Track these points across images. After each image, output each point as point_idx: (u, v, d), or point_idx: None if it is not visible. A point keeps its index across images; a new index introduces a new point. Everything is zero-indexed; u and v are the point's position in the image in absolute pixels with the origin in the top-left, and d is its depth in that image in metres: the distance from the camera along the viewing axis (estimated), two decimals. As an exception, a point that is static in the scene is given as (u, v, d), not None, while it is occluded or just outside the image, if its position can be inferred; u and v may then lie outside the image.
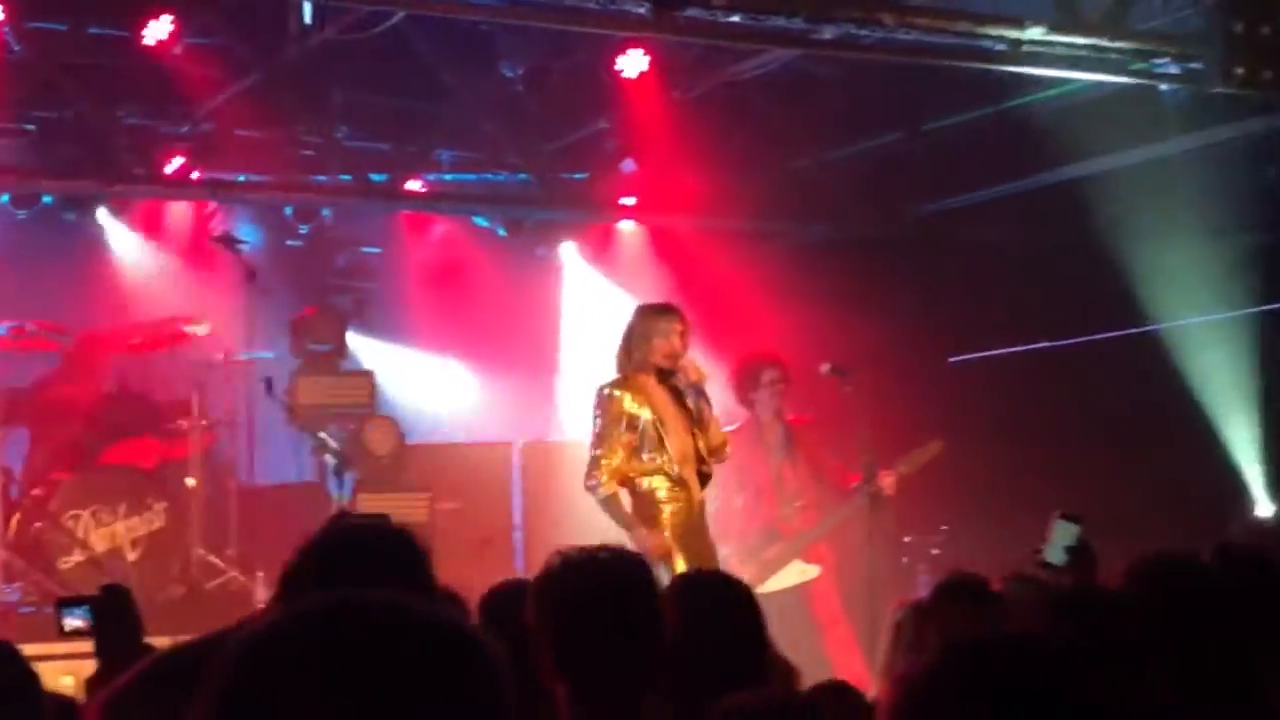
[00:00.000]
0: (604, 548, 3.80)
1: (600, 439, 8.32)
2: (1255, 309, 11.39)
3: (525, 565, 11.68)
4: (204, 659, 3.06)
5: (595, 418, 8.39)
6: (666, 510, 8.30)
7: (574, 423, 12.84)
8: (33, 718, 3.22)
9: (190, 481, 11.30)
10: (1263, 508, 11.39)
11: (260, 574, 10.88)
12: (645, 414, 8.30)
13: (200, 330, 11.65)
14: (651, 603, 3.73)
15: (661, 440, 8.30)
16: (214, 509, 11.43)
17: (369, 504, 11.42)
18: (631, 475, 8.31)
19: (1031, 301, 11.82)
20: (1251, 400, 11.36)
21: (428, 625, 1.65)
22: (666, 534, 8.24)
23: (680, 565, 8.10)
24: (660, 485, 8.32)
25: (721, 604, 4.21)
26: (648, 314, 8.56)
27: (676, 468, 8.31)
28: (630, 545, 7.93)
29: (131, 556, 10.80)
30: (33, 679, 3.36)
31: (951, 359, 13.12)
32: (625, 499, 8.33)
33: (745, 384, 10.00)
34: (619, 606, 3.64)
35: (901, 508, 10.76)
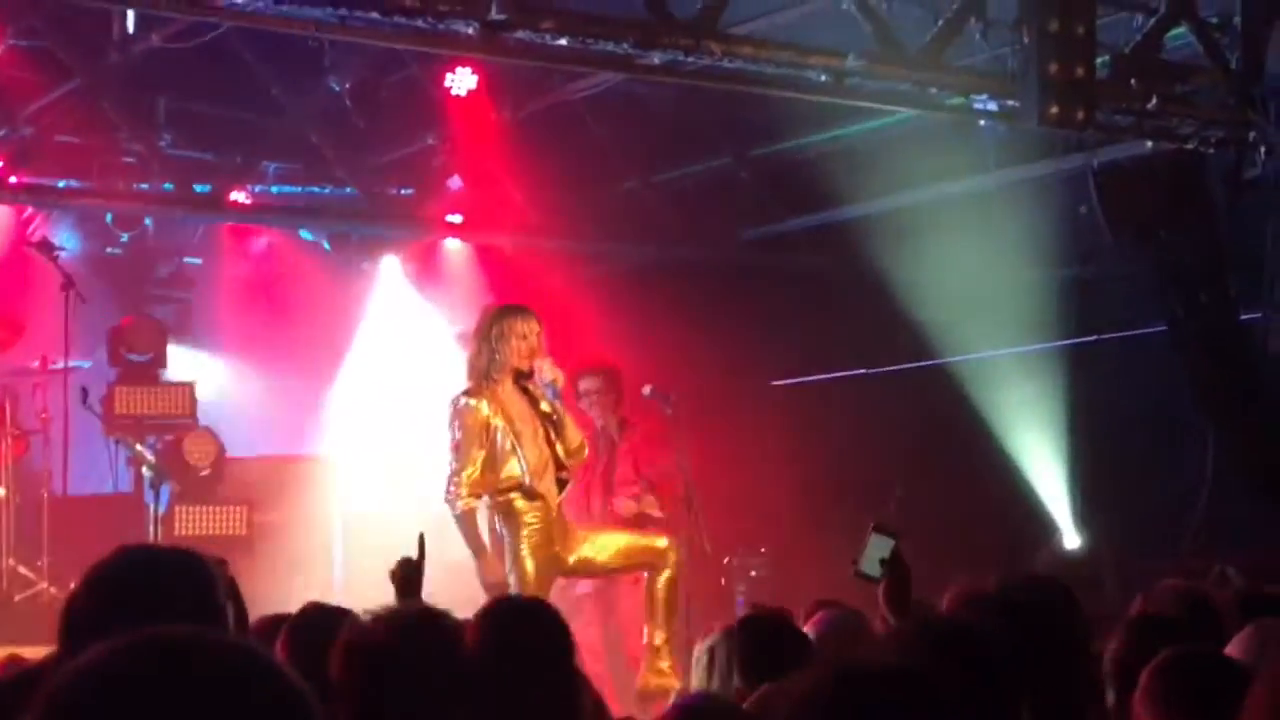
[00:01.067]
0: (408, 607, 3.82)
1: (458, 452, 8.25)
2: (1066, 342, 11.67)
3: (344, 577, 11.66)
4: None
5: (453, 430, 8.31)
6: (525, 521, 8.31)
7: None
8: None
9: (1, 491, 11.10)
10: (1069, 539, 11.66)
11: (73, 585, 10.69)
12: (499, 423, 8.28)
13: (14, 337, 11.44)
14: (456, 665, 3.75)
15: (515, 452, 8.30)
16: (26, 519, 11.24)
17: (186, 517, 11.31)
18: (487, 489, 8.30)
19: (853, 328, 12.01)
20: (1060, 432, 11.63)
21: (239, 663, 1.64)
22: (524, 549, 8.26)
23: (532, 576, 8.18)
24: (516, 498, 8.33)
25: (527, 631, 4.23)
26: (504, 314, 8.47)
27: (529, 479, 8.31)
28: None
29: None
30: None
31: (774, 382, 13.29)
32: (483, 512, 8.32)
33: (575, 393, 10.14)
34: (425, 671, 3.65)
35: (721, 529, 10.87)
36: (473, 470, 8.21)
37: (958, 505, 11.29)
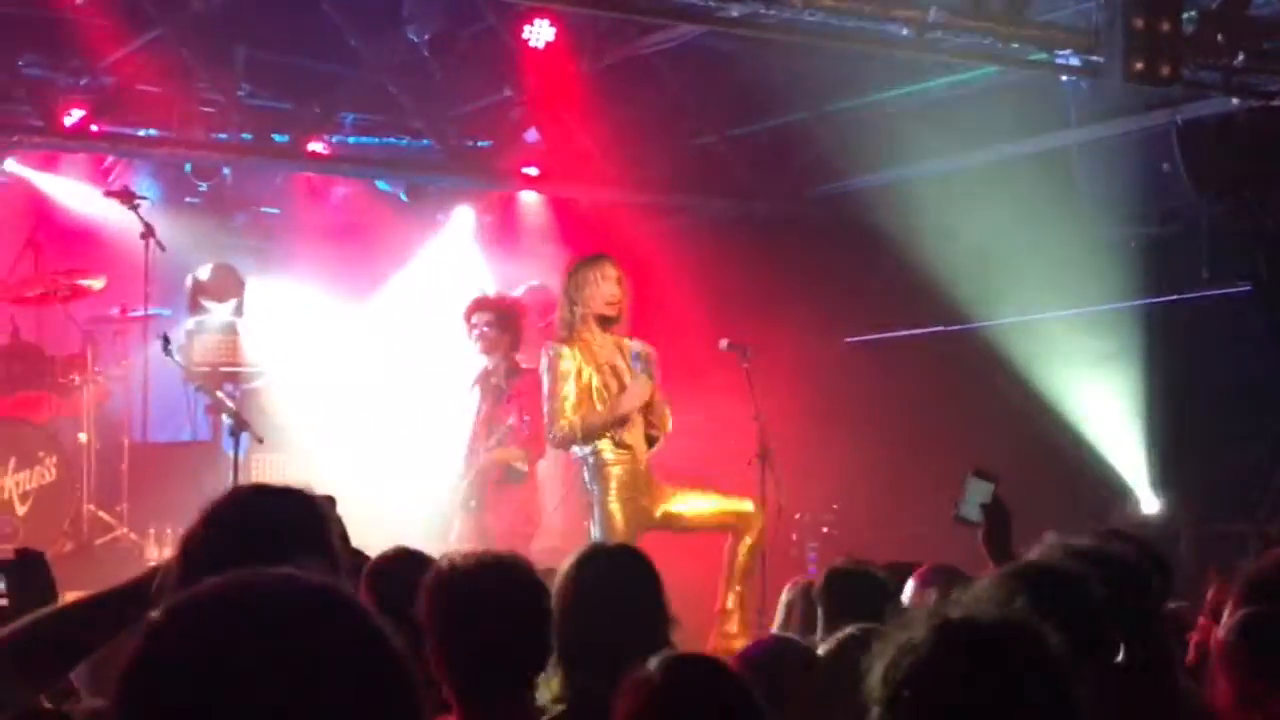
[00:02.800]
0: (489, 553, 3.86)
1: (550, 395, 8.39)
2: (1144, 301, 11.57)
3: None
4: (70, 629, 3.07)
5: (545, 378, 8.44)
6: (613, 472, 8.36)
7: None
8: None
9: (82, 437, 11.22)
10: (1145, 503, 11.56)
11: (151, 531, 10.83)
12: (589, 371, 8.36)
13: (96, 284, 11.54)
14: (539, 607, 3.79)
15: (604, 401, 8.37)
16: (106, 465, 11.36)
17: (264, 465, 11.39)
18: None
19: (928, 285, 11.94)
20: (1137, 393, 11.54)
21: (326, 609, 1.67)
22: (612, 499, 8.32)
23: (620, 525, 8.23)
24: (605, 447, 8.39)
25: (619, 577, 4.26)
26: (582, 266, 8.60)
27: (618, 431, 8.37)
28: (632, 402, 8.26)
29: (21, 510, 10.71)
30: None
31: (848, 339, 13.25)
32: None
33: (465, 327, 10.34)
34: (506, 615, 3.69)
35: (794, 485, 10.87)
36: (567, 406, 8.31)
37: (1031, 465, 11.22)
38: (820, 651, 4.40)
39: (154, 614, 1.67)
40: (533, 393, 9.89)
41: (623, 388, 8.43)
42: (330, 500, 3.20)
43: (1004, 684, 2.22)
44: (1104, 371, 11.59)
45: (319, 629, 1.64)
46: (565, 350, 8.40)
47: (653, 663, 3.31)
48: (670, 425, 8.70)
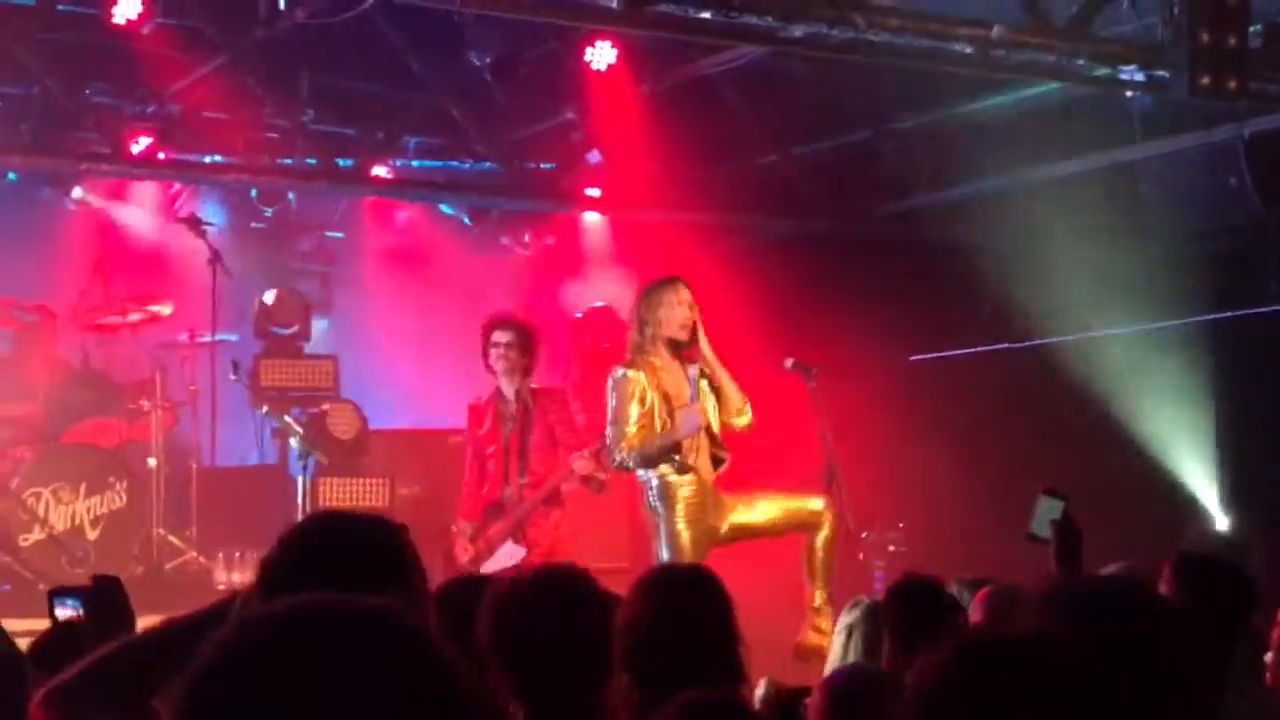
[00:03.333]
0: (550, 567, 3.84)
1: (614, 419, 8.40)
2: (1211, 317, 11.47)
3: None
4: (150, 655, 3.10)
5: (609, 400, 8.45)
6: (680, 495, 8.37)
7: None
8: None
9: (152, 461, 11.30)
10: (1218, 521, 11.46)
11: (220, 555, 10.91)
12: (654, 396, 8.37)
13: (164, 310, 11.65)
14: (602, 619, 3.76)
15: (668, 425, 8.37)
16: (175, 489, 11.45)
17: (330, 488, 11.44)
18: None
19: (994, 303, 11.89)
20: (1206, 410, 11.44)
21: (394, 639, 1.68)
22: (679, 523, 8.32)
23: (687, 547, 8.22)
24: (668, 470, 8.39)
25: (691, 598, 4.26)
26: (653, 289, 8.60)
27: (681, 454, 8.37)
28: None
29: (92, 535, 10.80)
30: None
31: (913, 357, 13.20)
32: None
33: (483, 347, 9.87)
34: (571, 628, 3.66)
35: (859, 504, 10.82)
36: (629, 429, 8.31)
37: (1100, 483, 11.13)
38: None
39: (222, 630, 1.70)
40: (561, 410, 9.83)
41: (710, 406, 8.48)
42: (403, 528, 3.21)
43: (1018, 709, 2.08)
44: (1173, 388, 11.50)
45: (376, 653, 1.64)
46: (631, 374, 8.41)
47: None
48: (748, 415, 8.68)
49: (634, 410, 8.34)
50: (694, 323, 8.48)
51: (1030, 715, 2.08)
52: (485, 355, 9.84)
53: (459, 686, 1.67)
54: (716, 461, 8.54)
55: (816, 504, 8.68)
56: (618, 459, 8.41)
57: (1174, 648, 2.91)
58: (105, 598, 4.41)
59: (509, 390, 9.79)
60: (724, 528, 8.48)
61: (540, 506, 9.65)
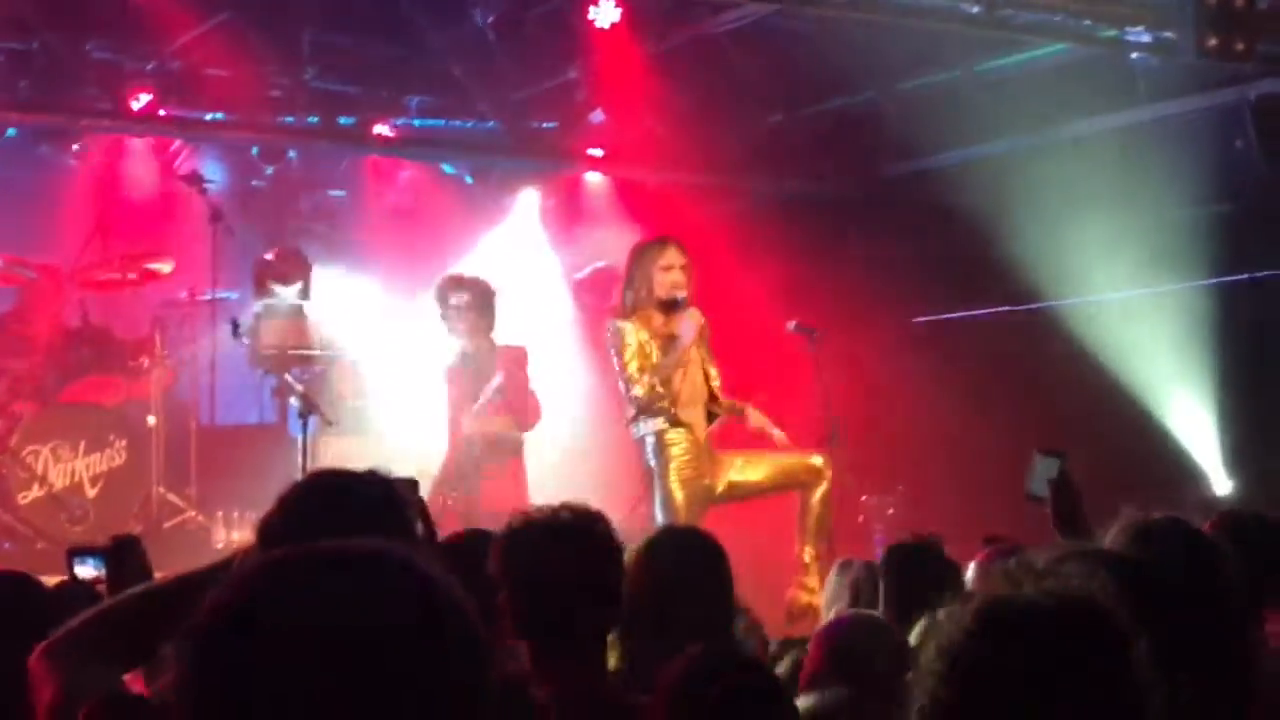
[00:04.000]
0: (565, 507, 3.81)
1: (621, 370, 8.45)
2: (1215, 280, 11.43)
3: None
4: (153, 609, 3.08)
5: (612, 356, 8.47)
6: (673, 453, 8.37)
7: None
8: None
9: (151, 420, 11.27)
10: (1219, 485, 11.44)
11: (220, 514, 10.89)
12: (651, 346, 8.37)
13: (164, 268, 11.61)
14: (612, 561, 3.75)
15: (666, 379, 8.38)
16: (174, 448, 11.41)
17: (331, 448, 11.41)
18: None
19: (996, 265, 11.85)
20: (1208, 374, 11.41)
21: (406, 577, 1.67)
22: (673, 480, 8.33)
23: (680, 504, 8.22)
24: (664, 426, 8.39)
25: (688, 561, 4.25)
26: (646, 249, 8.63)
27: (676, 409, 8.37)
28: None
29: (91, 493, 10.79)
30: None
31: (916, 319, 13.17)
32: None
33: (441, 310, 10.19)
34: (581, 568, 3.65)
35: (859, 467, 10.80)
36: (635, 375, 8.32)
37: (1101, 446, 11.11)
38: (912, 641, 4.37)
39: (224, 578, 1.69)
40: (515, 369, 9.98)
41: (705, 361, 8.50)
42: (413, 483, 3.19)
43: (1052, 671, 2.02)
44: (1175, 351, 11.47)
45: (380, 587, 1.64)
46: (626, 325, 8.44)
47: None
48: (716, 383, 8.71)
49: (633, 356, 8.36)
50: (685, 284, 8.44)
51: (1064, 681, 2.03)
52: (444, 318, 10.01)
53: (463, 622, 1.66)
54: (710, 416, 8.54)
55: (816, 460, 8.68)
56: (639, 400, 8.43)
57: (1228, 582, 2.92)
58: (125, 557, 4.41)
59: (470, 348, 10.02)
60: (720, 486, 8.48)
61: (483, 462, 9.94)
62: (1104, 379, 11.57)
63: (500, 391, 10.03)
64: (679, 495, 8.31)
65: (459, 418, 10.19)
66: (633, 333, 8.42)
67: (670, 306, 8.45)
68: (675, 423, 8.39)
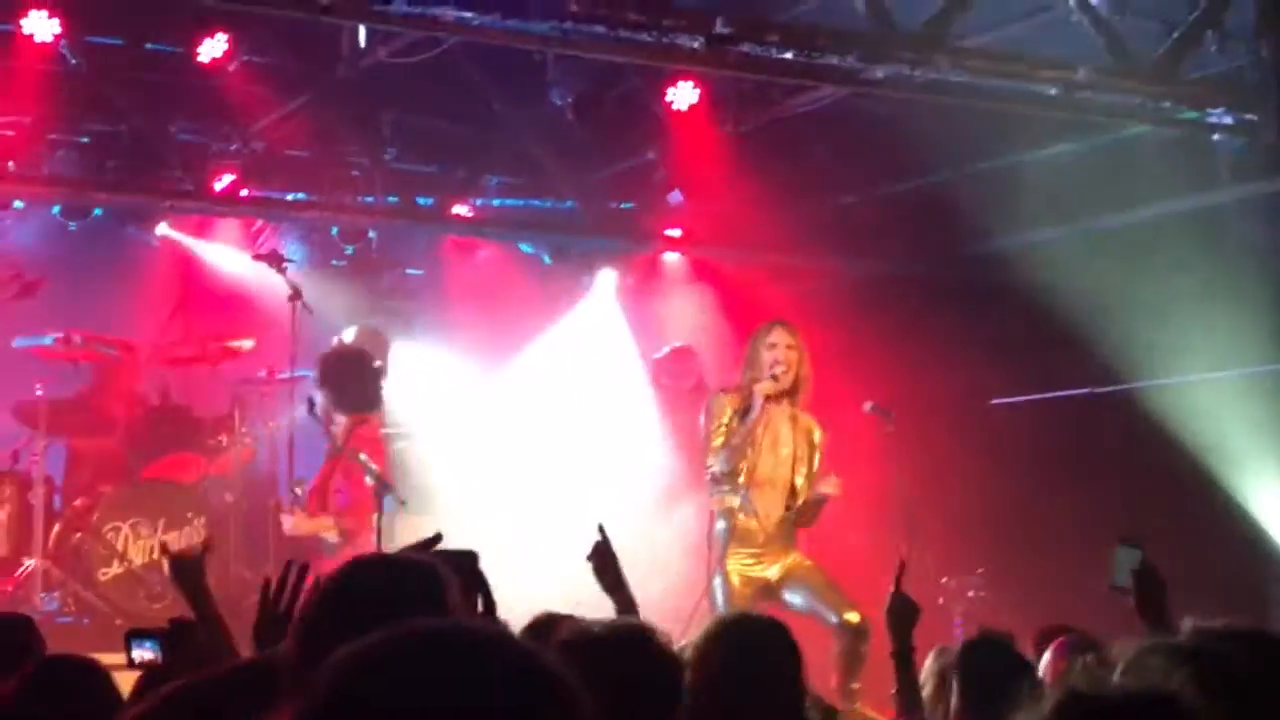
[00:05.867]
0: (622, 621, 3.77)
1: (706, 443, 8.42)
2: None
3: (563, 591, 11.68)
4: (224, 692, 3.08)
5: (702, 427, 8.49)
6: (733, 533, 8.34)
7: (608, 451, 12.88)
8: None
9: (229, 497, 11.33)
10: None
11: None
12: (736, 422, 8.36)
13: (245, 345, 11.69)
14: (672, 682, 3.67)
15: (743, 452, 8.35)
16: (253, 526, 11.45)
17: (406, 526, 11.42)
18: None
19: (1076, 347, 11.75)
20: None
21: (514, 657, 1.66)
22: (730, 559, 8.29)
23: (738, 585, 8.15)
24: (730, 498, 8.37)
25: (758, 648, 4.20)
26: (760, 329, 8.66)
27: (744, 485, 8.33)
28: None
29: (170, 571, 10.81)
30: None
31: (994, 401, 13.07)
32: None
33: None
34: (638, 690, 3.59)
35: (941, 549, 10.71)
36: (716, 441, 8.31)
37: (1185, 533, 10.96)
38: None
39: (337, 656, 1.65)
40: (372, 447, 9.75)
41: (802, 456, 8.45)
42: (471, 555, 3.16)
43: None
44: (1264, 436, 11.31)
45: (484, 666, 1.62)
46: (724, 397, 8.48)
47: None
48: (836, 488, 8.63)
49: (720, 427, 8.35)
50: (791, 364, 8.43)
51: None
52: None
53: (570, 696, 1.65)
54: (788, 509, 8.48)
55: (853, 618, 8.37)
56: (708, 468, 8.39)
57: None
58: (182, 640, 4.40)
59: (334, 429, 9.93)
60: (773, 576, 8.39)
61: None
62: (1188, 463, 11.42)
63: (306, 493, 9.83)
64: (731, 577, 8.26)
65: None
66: (727, 407, 8.44)
67: (779, 390, 8.46)
68: (743, 500, 8.36)
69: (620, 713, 3.55)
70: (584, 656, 3.62)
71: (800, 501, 8.52)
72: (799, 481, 8.51)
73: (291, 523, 9.70)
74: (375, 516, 9.83)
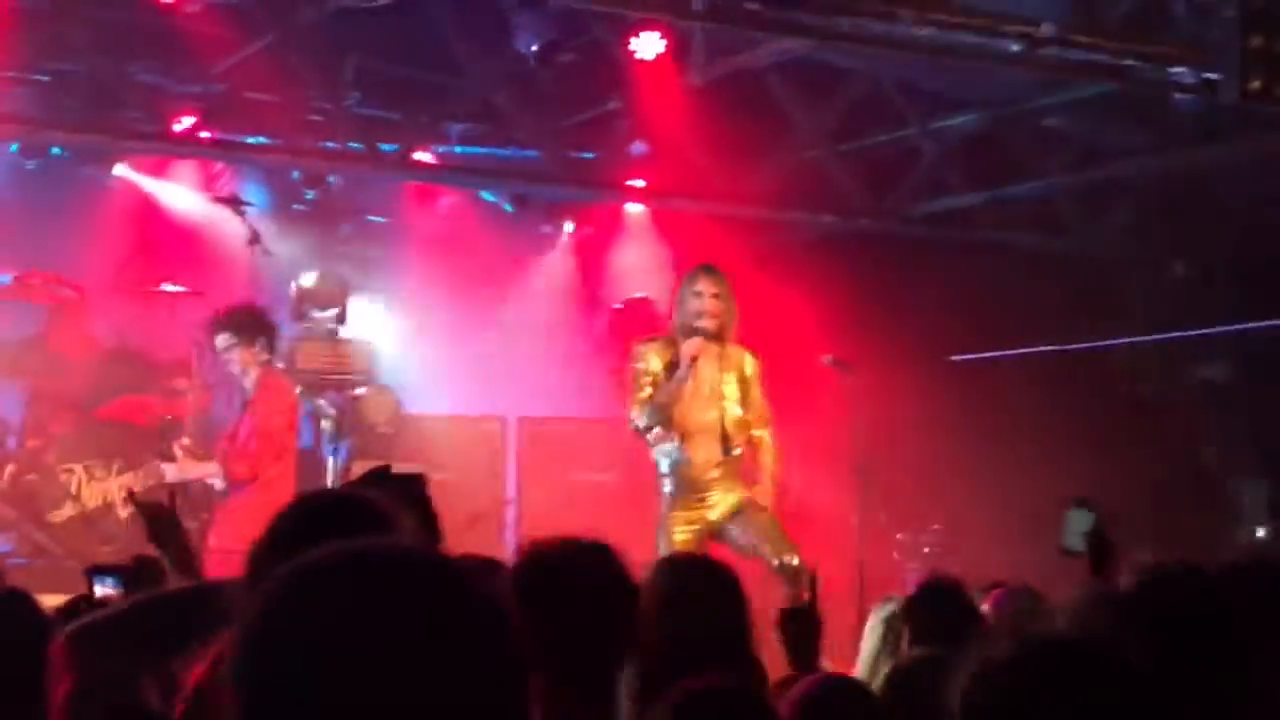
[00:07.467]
0: (577, 538, 3.77)
1: (630, 390, 8.42)
2: (1254, 324, 11.34)
3: (516, 541, 11.68)
4: (180, 609, 3.09)
5: (629, 378, 8.50)
6: (671, 480, 8.36)
7: (567, 398, 12.92)
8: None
9: (185, 441, 11.28)
10: (1260, 529, 11.34)
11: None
12: (664, 375, 8.36)
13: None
14: (627, 596, 3.70)
15: (668, 408, 8.36)
16: (208, 471, 11.41)
17: (364, 470, 11.41)
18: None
19: (1035, 304, 11.81)
20: (1252, 416, 11.33)
21: (442, 570, 1.67)
22: (668, 503, 8.31)
23: (679, 534, 8.17)
24: (668, 449, 8.38)
25: (699, 589, 4.22)
26: (688, 275, 8.63)
27: (677, 435, 8.34)
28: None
29: (124, 513, 10.81)
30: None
31: (952, 357, 13.11)
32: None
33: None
34: (595, 601, 3.60)
35: (895, 504, 10.75)
36: (640, 393, 8.32)
37: (1137, 488, 11.05)
38: (887, 672, 4.34)
39: (276, 573, 1.67)
40: (267, 401, 9.29)
41: (731, 397, 8.44)
42: (421, 478, 3.17)
43: (1088, 705, 2.14)
44: (1216, 394, 11.40)
45: (411, 587, 1.63)
46: (642, 347, 8.50)
47: None
48: (769, 439, 8.61)
49: (645, 380, 8.36)
50: (717, 313, 8.40)
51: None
52: (227, 366, 9.41)
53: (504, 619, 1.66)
54: (726, 450, 8.48)
55: (793, 560, 8.29)
56: (631, 421, 8.43)
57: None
58: (146, 577, 4.41)
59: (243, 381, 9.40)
60: (722, 525, 8.40)
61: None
62: (1142, 420, 11.51)
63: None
64: (675, 531, 8.28)
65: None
66: (653, 357, 8.42)
67: (705, 335, 8.43)
68: (680, 450, 8.38)
69: (579, 633, 3.57)
70: (559, 568, 3.63)
71: (729, 444, 8.50)
72: (730, 419, 8.50)
73: (175, 469, 9.30)
74: (329, 461, 9.82)
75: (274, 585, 1.65)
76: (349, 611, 1.59)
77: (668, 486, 8.43)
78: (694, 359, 8.39)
